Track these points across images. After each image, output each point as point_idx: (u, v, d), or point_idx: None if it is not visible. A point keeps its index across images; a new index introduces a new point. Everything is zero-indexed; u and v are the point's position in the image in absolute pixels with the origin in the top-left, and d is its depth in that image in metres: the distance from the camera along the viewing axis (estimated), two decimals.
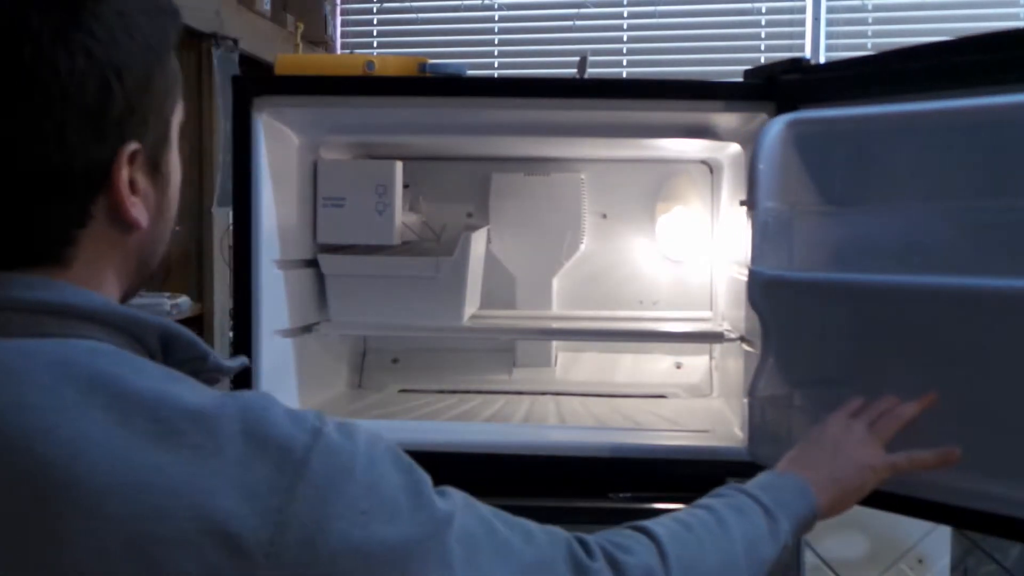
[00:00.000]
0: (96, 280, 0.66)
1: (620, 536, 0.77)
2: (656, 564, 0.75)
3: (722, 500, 0.87)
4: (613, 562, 0.73)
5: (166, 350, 0.66)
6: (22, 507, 0.55)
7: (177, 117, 0.72)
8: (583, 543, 0.74)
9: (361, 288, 1.61)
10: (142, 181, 0.67)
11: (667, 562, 0.75)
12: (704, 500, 0.88)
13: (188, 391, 0.60)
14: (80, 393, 0.57)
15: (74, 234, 0.65)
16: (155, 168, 0.69)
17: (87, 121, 0.62)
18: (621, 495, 1.39)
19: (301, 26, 2.55)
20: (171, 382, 0.60)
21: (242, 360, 0.71)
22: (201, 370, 0.66)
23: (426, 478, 0.66)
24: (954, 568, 2.17)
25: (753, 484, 0.91)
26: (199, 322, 2.24)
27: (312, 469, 0.57)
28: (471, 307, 1.71)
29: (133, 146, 0.65)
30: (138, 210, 0.67)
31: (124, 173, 0.65)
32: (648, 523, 0.80)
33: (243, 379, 1.36)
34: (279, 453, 0.57)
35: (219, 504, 0.55)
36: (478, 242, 1.71)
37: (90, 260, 0.66)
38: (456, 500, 0.69)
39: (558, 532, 0.74)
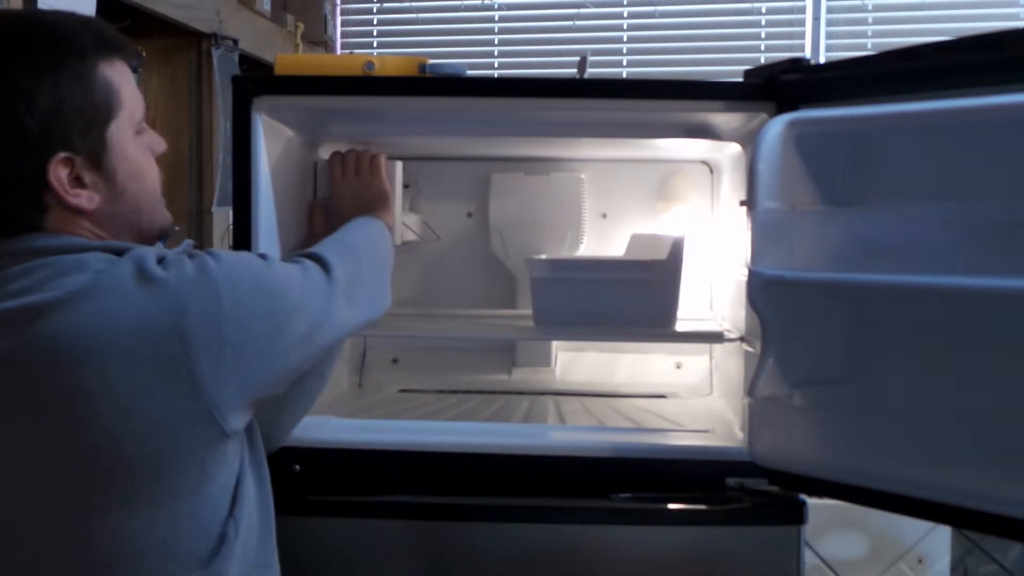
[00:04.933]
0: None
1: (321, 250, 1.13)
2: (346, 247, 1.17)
3: (342, 229, 1.27)
4: (334, 252, 1.11)
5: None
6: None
7: (120, 122, 0.95)
8: (311, 256, 1.09)
9: (567, 291, 1.56)
10: (89, 177, 0.93)
11: (348, 243, 1.19)
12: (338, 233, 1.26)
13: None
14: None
15: (40, 216, 0.93)
16: (98, 166, 0.94)
17: (13, 148, 0.89)
18: (621, 495, 1.39)
19: (301, 26, 2.56)
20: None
21: (188, 242, 1.02)
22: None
23: (246, 253, 1.02)
24: (954, 568, 2.17)
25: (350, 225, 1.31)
26: None
27: (187, 278, 0.90)
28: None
29: (61, 155, 0.91)
30: (81, 199, 0.93)
31: (60, 175, 0.91)
32: (327, 241, 1.18)
33: None
34: (163, 283, 0.89)
35: (137, 318, 0.87)
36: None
37: (58, 230, 0.93)
38: (267, 255, 1.03)
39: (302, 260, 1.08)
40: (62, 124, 0.91)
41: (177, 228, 2.28)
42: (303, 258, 1.08)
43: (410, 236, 1.76)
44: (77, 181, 0.93)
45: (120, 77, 0.96)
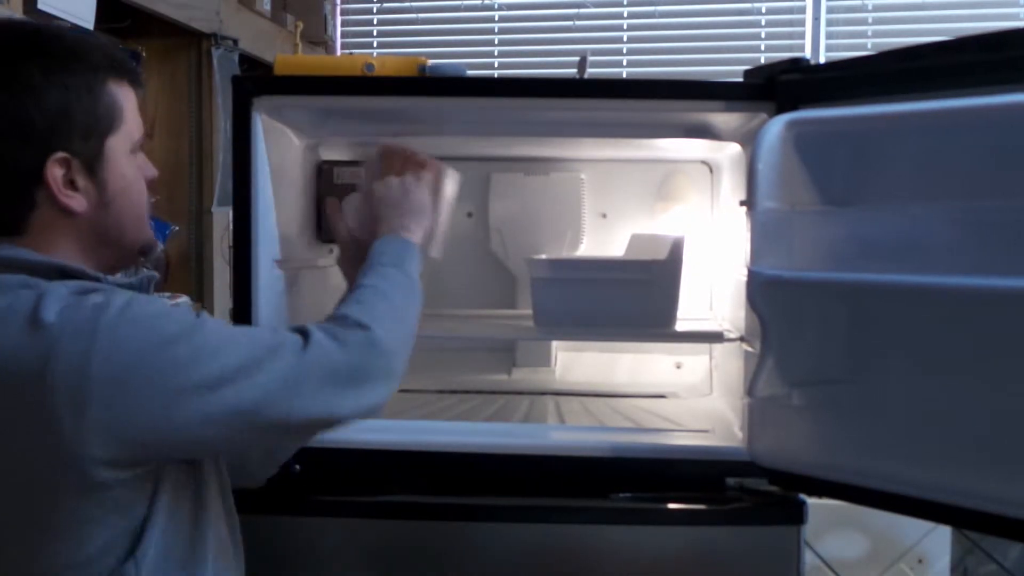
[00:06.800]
0: (47, 246, 0.96)
1: (328, 321, 1.04)
2: (357, 327, 1.02)
3: (370, 278, 1.13)
4: (328, 331, 1.00)
5: (76, 278, 0.95)
6: None
7: (119, 138, 0.99)
8: (301, 329, 1.00)
9: (567, 291, 1.56)
10: (81, 181, 0.97)
11: (363, 322, 1.02)
12: (359, 283, 1.12)
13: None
14: None
15: (26, 214, 0.96)
16: (92, 173, 0.97)
17: (16, 137, 0.93)
18: (621, 495, 1.39)
19: (301, 26, 2.55)
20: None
21: (181, 302, 0.97)
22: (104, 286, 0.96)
23: (182, 310, 0.96)
24: (954, 568, 2.17)
25: (376, 256, 1.17)
26: None
27: (69, 329, 0.87)
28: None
29: (60, 155, 0.94)
30: (73, 201, 0.96)
31: (56, 173, 0.94)
32: (338, 312, 1.05)
33: None
34: (45, 328, 0.87)
35: (10, 362, 0.86)
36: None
37: (41, 233, 0.96)
38: (208, 317, 0.97)
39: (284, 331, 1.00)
40: (66, 125, 0.95)
41: (176, 228, 2.28)
42: (295, 331, 1.00)
43: None
44: (70, 184, 0.96)
45: (125, 98, 1.01)
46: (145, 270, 1.05)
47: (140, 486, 0.94)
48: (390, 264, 1.16)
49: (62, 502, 0.90)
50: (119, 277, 1.01)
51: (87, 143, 0.96)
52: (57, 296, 0.89)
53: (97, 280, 0.97)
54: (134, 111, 1.02)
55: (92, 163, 0.97)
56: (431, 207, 1.25)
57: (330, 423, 1.00)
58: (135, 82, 1.03)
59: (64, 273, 0.95)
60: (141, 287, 1.02)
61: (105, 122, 0.98)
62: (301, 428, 0.99)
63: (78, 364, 0.86)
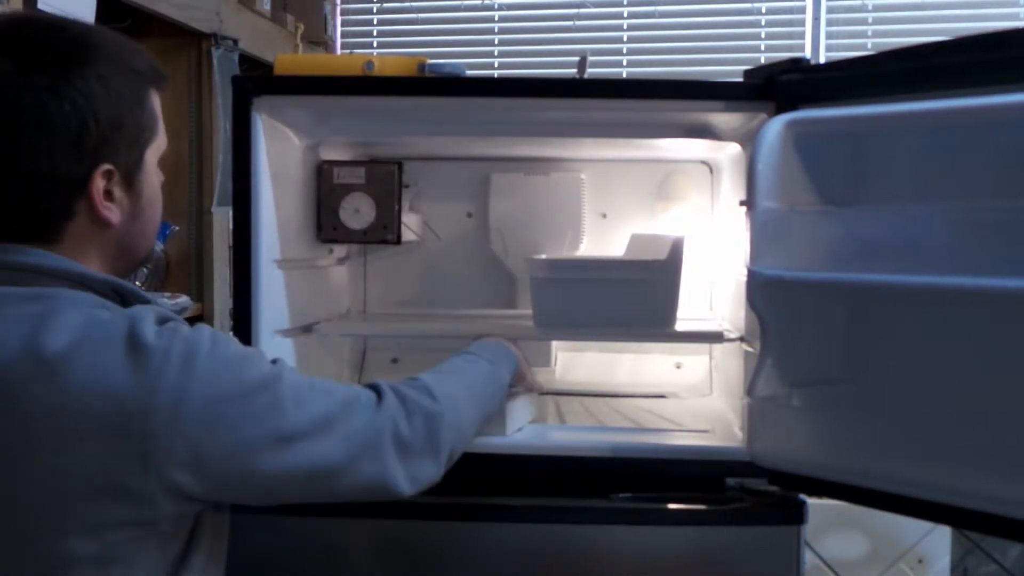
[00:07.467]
0: (79, 257, 0.95)
1: (402, 383, 1.08)
2: (428, 398, 1.07)
3: (457, 359, 1.23)
4: (400, 395, 1.04)
5: (126, 298, 0.96)
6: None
7: (154, 148, 1.00)
8: (375, 386, 1.05)
9: (567, 291, 1.55)
10: (118, 192, 0.95)
11: (435, 395, 1.08)
12: (448, 360, 1.22)
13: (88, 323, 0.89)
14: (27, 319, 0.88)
15: (63, 224, 0.93)
16: (129, 184, 0.97)
17: (69, 146, 0.90)
18: (621, 495, 1.39)
19: (301, 26, 2.55)
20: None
21: (181, 302, 0.99)
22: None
23: (259, 353, 0.98)
24: (954, 568, 2.17)
25: (474, 346, 1.28)
26: (199, 322, 2.24)
27: (171, 357, 0.88)
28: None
29: (106, 166, 0.93)
30: (111, 213, 0.95)
31: (99, 185, 0.93)
32: (415, 377, 1.11)
33: None
34: (150, 353, 0.87)
35: (112, 383, 0.86)
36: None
37: (75, 243, 0.94)
38: (285, 363, 0.98)
39: (356, 386, 1.04)
40: (117, 136, 0.93)
41: (176, 228, 2.28)
42: (368, 387, 1.04)
43: (410, 236, 1.76)
44: (108, 195, 0.95)
45: (159, 108, 1.01)
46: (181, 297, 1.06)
47: (183, 522, 0.94)
48: (485, 358, 1.24)
49: (115, 540, 0.88)
50: (165, 301, 1.02)
51: (130, 155, 0.96)
52: (148, 323, 0.89)
53: (148, 303, 0.97)
54: (161, 121, 1.02)
55: (131, 175, 0.96)
56: (522, 370, 1.38)
57: (385, 491, 1.02)
58: (163, 90, 1.02)
59: (116, 292, 0.95)
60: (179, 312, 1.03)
61: (147, 133, 0.98)
62: (357, 490, 1.01)
63: (177, 395, 0.87)
